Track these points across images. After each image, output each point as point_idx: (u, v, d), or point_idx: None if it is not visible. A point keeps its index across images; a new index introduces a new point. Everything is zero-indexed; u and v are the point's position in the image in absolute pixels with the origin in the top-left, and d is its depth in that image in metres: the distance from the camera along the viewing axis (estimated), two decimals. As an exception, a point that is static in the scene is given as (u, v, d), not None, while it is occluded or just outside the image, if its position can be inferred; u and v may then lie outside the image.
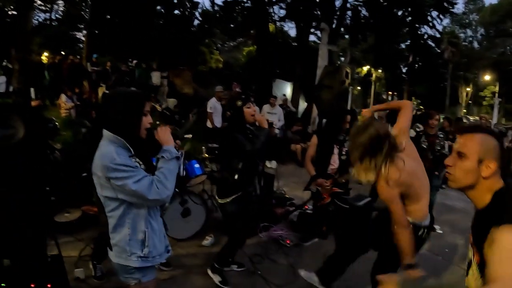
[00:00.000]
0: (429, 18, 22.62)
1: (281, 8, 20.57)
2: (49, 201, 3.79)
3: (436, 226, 6.17)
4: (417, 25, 23.94)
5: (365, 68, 44.56)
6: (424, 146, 5.87)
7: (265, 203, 5.74)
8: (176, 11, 25.31)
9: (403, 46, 35.74)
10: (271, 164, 5.94)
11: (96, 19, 21.08)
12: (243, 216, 3.87)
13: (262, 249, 4.93)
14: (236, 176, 3.72)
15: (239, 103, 3.79)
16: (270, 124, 3.90)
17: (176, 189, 4.76)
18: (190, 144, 5.69)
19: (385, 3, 19.36)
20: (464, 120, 12.82)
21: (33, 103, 10.43)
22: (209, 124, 9.55)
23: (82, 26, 29.65)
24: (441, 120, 9.16)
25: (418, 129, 6.13)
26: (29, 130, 2.93)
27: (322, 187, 4.73)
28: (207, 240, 4.99)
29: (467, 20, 48.98)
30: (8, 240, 2.92)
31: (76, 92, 12.39)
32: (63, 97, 11.33)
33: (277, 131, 10.38)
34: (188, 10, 26.11)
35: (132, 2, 19.75)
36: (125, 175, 2.05)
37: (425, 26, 24.12)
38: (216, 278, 3.96)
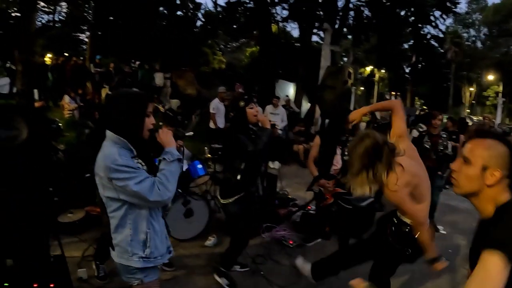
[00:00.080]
0: (432, 18, 22.61)
1: (283, 8, 20.62)
2: (52, 201, 3.80)
3: (440, 227, 6.16)
4: (420, 25, 23.92)
5: (368, 68, 44.54)
6: (427, 146, 5.86)
7: (268, 203, 5.74)
8: (179, 12, 25.36)
9: (406, 46, 35.78)
10: (274, 165, 5.95)
11: (99, 21, 21.16)
12: (245, 217, 3.87)
13: (265, 250, 4.94)
14: (238, 177, 3.72)
15: (242, 103, 3.79)
16: (273, 125, 3.89)
17: (179, 190, 4.78)
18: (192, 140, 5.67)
19: (388, 3, 19.35)
20: (468, 120, 12.78)
21: (37, 104, 10.47)
22: (212, 125, 9.55)
23: (85, 28, 29.70)
24: (445, 120, 9.14)
25: (421, 129, 6.13)
26: (32, 131, 2.94)
27: (325, 188, 4.72)
28: (210, 241, 4.99)
29: (470, 20, 48.85)
30: (11, 240, 2.93)
31: (79, 93, 12.44)
32: (66, 98, 11.37)
33: (279, 131, 10.38)
34: (191, 11, 26.17)
35: (135, 4, 19.79)
36: (127, 176, 2.05)
37: (428, 26, 24.15)
38: (223, 282, 3.95)
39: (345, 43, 27.63)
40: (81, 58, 19.53)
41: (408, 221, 2.83)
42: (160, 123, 5.09)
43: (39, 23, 29.58)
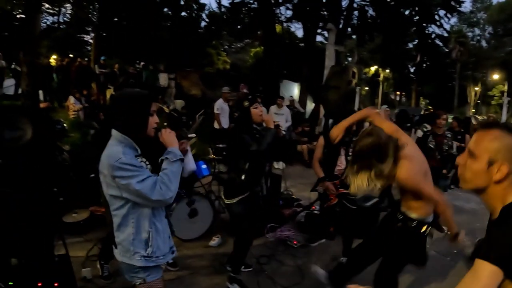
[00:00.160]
0: (436, 17, 22.50)
1: (287, 9, 20.61)
2: (57, 201, 3.82)
3: (444, 228, 6.12)
4: (424, 25, 23.82)
5: (373, 68, 44.46)
6: (432, 146, 5.84)
7: (272, 203, 5.73)
8: (183, 13, 25.43)
9: (410, 45, 35.69)
10: (279, 165, 5.95)
11: (104, 22, 21.25)
12: (249, 217, 3.86)
13: (269, 250, 4.93)
14: (243, 177, 3.72)
15: (246, 103, 3.79)
16: (277, 126, 3.89)
17: (183, 190, 4.79)
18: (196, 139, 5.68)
19: (392, 3, 19.28)
20: (472, 120, 12.71)
21: (42, 105, 10.54)
22: (216, 125, 9.57)
23: (90, 29, 29.80)
24: (450, 120, 9.10)
25: (425, 129, 6.11)
26: (37, 131, 2.96)
27: (329, 190, 4.71)
28: (214, 241, 5.00)
29: (474, 19, 48.58)
30: (15, 239, 2.95)
31: (84, 94, 12.51)
32: (71, 99, 11.42)
33: (283, 132, 10.36)
34: (195, 12, 26.25)
35: (139, 5, 19.86)
36: (130, 174, 2.07)
37: (433, 25, 24.05)
38: None
39: (349, 43, 27.62)
40: (86, 59, 19.63)
41: (414, 216, 2.84)
42: (165, 124, 5.10)
43: (44, 24, 29.78)
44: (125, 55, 21.19)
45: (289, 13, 20.70)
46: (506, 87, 37.52)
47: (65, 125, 6.56)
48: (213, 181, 5.77)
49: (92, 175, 5.09)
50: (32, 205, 2.99)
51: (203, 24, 27.63)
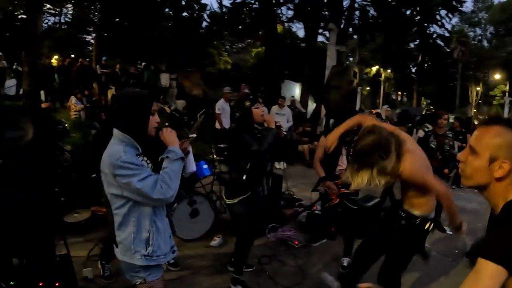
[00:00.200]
0: (437, 17, 22.43)
1: (289, 9, 20.58)
2: (58, 201, 3.83)
3: (446, 227, 6.11)
4: (425, 24, 23.73)
5: (374, 68, 44.41)
6: (433, 146, 5.83)
7: (274, 203, 5.73)
8: (184, 13, 25.43)
9: (412, 45, 35.64)
10: (280, 165, 5.96)
11: (105, 22, 21.22)
12: (251, 217, 3.86)
13: (270, 250, 4.93)
14: (244, 177, 3.72)
15: (247, 103, 3.79)
16: (278, 126, 3.89)
17: (184, 190, 4.79)
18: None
19: (393, 3, 19.24)
20: (474, 120, 12.70)
21: (43, 106, 10.55)
22: (217, 125, 9.58)
23: (91, 29, 29.79)
24: (451, 120, 9.09)
25: (427, 129, 6.10)
26: (38, 132, 2.96)
27: (330, 189, 4.71)
28: (215, 241, 5.00)
29: (476, 19, 48.49)
30: (17, 239, 2.95)
31: (86, 94, 12.52)
32: (73, 99, 11.45)
33: (284, 132, 10.36)
34: (196, 12, 26.24)
35: (140, 5, 19.87)
36: (131, 173, 2.09)
37: (434, 25, 23.92)
38: None
39: (350, 43, 27.55)
40: (87, 59, 19.62)
41: (417, 213, 2.85)
42: (166, 124, 5.11)
43: (45, 25, 29.83)
44: (126, 55, 21.20)
45: (291, 13, 20.69)
46: (507, 87, 37.49)
47: (66, 125, 6.56)
48: (215, 181, 5.78)
49: (94, 175, 5.09)
50: (33, 205, 2.99)
51: (204, 24, 27.62)
